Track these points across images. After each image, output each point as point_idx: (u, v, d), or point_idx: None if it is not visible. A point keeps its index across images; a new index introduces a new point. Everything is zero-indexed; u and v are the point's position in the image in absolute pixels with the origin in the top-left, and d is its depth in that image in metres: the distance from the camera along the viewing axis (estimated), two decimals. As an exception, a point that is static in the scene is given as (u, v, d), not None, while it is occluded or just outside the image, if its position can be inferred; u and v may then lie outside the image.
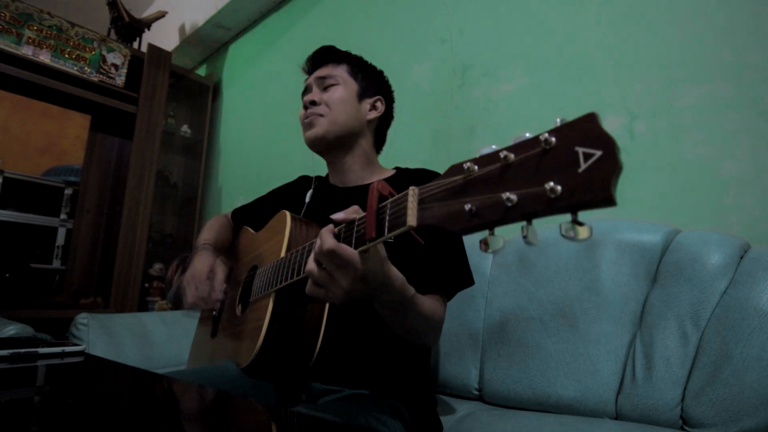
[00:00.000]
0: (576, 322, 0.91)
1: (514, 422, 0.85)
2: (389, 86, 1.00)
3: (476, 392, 1.03)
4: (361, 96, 0.93)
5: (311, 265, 0.56)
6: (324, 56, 0.97)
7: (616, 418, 0.84)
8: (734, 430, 0.70)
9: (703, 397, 0.74)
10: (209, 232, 1.05)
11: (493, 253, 0.36)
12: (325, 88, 0.92)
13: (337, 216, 0.56)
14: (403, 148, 1.54)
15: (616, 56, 1.13)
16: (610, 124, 1.10)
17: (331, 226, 0.56)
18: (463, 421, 0.89)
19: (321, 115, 0.89)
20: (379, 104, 0.95)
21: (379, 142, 0.99)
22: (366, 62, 0.98)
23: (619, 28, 1.14)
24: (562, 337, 0.92)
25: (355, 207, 0.56)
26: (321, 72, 0.94)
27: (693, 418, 0.75)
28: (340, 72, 0.93)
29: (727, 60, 0.97)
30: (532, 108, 1.27)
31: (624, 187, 1.05)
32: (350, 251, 0.52)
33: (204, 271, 0.86)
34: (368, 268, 0.54)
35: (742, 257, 0.81)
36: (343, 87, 0.91)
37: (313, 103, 0.90)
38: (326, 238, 0.53)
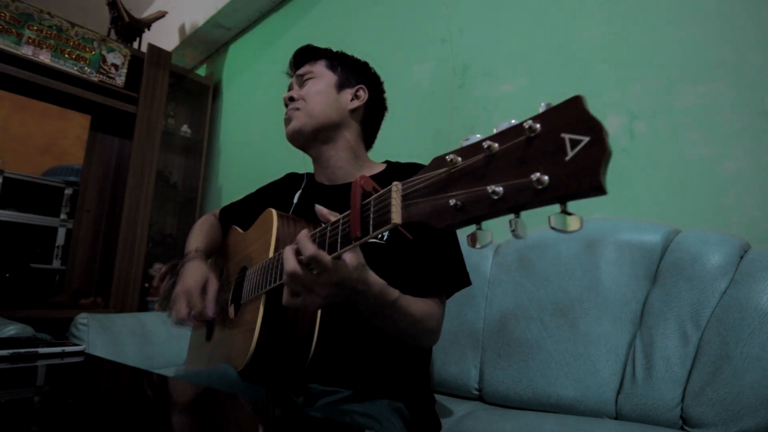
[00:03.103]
0: (576, 322, 0.91)
1: (514, 422, 0.85)
2: (375, 76, 0.97)
3: (476, 392, 1.03)
4: (341, 86, 0.91)
5: (292, 265, 0.55)
6: (303, 56, 0.96)
7: (616, 418, 0.84)
8: (734, 430, 0.70)
9: (703, 397, 0.74)
10: (199, 235, 1.01)
11: (482, 248, 0.35)
12: (303, 84, 0.92)
13: (322, 211, 0.56)
14: (403, 148, 1.54)
15: (616, 56, 1.13)
16: (610, 124, 1.10)
17: (306, 231, 0.57)
18: (463, 421, 0.89)
19: (298, 109, 0.89)
20: (361, 93, 0.92)
21: (368, 135, 0.96)
22: (346, 55, 0.96)
23: (619, 28, 1.14)
24: (562, 337, 0.92)
25: (335, 213, 0.57)
26: (300, 71, 0.94)
27: (693, 418, 0.75)
28: (318, 67, 0.92)
29: (727, 60, 0.97)
30: (532, 108, 1.25)
31: (624, 187, 1.06)
32: (326, 258, 0.52)
33: (197, 285, 0.83)
34: (343, 275, 0.53)
35: (742, 257, 0.81)
36: (319, 79, 0.90)
37: (292, 99, 0.91)
38: (306, 244, 0.54)
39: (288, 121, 0.90)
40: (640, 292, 0.88)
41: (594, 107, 0.29)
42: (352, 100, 0.91)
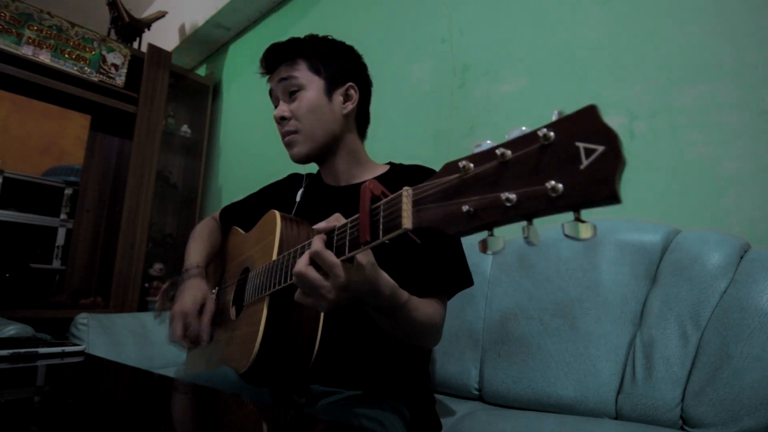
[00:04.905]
0: (576, 322, 0.91)
1: (514, 422, 0.85)
2: (357, 61, 0.90)
3: (476, 392, 1.03)
4: (330, 90, 0.85)
5: (301, 266, 0.55)
6: (277, 56, 0.87)
7: (616, 418, 0.84)
8: (734, 430, 0.70)
9: (703, 397, 0.74)
10: (199, 245, 1.01)
11: (493, 254, 0.35)
12: (291, 95, 0.85)
13: (319, 226, 0.56)
14: (403, 148, 1.54)
15: (616, 56, 1.13)
16: (609, 124, 1.10)
17: (323, 235, 0.57)
18: (463, 421, 0.89)
19: (295, 132, 0.84)
20: (352, 92, 0.87)
21: (361, 127, 0.92)
22: (323, 46, 0.88)
23: (619, 28, 1.14)
24: (562, 337, 0.92)
25: (337, 215, 0.56)
26: (281, 73, 0.86)
27: (693, 418, 0.75)
28: (301, 72, 0.84)
29: (727, 60, 0.97)
30: (532, 108, 1.27)
31: (624, 187, 1.06)
32: (333, 258, 0.52)
33: (194, 306, 0.84)
34: (351, 278, 0.53)
35: (742, 257, 0.81)
36: (307, 91, 0.84)
37: (283, 118, 0.85)
38: (315, 242, 0.54)
39: (288, 145, 0.87)
40: (640, 292, 0.88)
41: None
42: (344, 102, 0.87)
